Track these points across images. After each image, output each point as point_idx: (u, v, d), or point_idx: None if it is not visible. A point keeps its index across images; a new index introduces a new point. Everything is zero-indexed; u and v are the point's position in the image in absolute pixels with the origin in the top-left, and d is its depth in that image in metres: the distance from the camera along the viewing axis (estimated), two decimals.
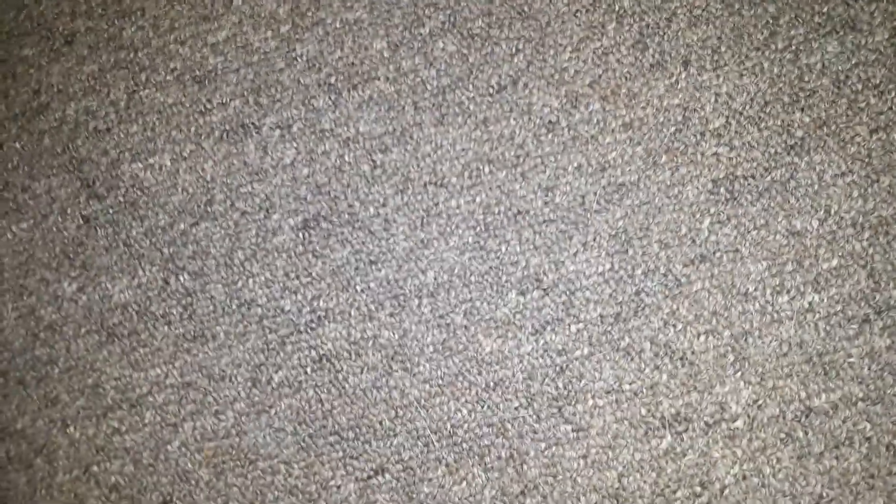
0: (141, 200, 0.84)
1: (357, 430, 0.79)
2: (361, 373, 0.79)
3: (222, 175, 0.83)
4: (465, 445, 0.77)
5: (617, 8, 0.78)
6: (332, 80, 0.82)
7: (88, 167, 0.85)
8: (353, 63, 0.82)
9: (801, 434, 0.73)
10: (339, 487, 0.79)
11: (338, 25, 0.82)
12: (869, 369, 0.72)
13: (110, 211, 0.84)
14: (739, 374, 0.74)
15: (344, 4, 0.82)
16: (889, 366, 0.72)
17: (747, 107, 0.75)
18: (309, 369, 0.80)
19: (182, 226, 0.83)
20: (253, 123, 0.83)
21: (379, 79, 0.81)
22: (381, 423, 0.78)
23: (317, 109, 0.82)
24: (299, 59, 0.83)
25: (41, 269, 0.85)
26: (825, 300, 0.73)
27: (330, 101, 0.82)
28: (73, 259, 0.85)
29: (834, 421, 0.72)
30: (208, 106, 0.84)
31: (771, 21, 0.76)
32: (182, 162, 0.84)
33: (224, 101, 0.84)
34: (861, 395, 0.72)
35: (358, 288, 0.80)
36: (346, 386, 0.79)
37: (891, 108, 0.73)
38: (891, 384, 0.72)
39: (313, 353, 0.80)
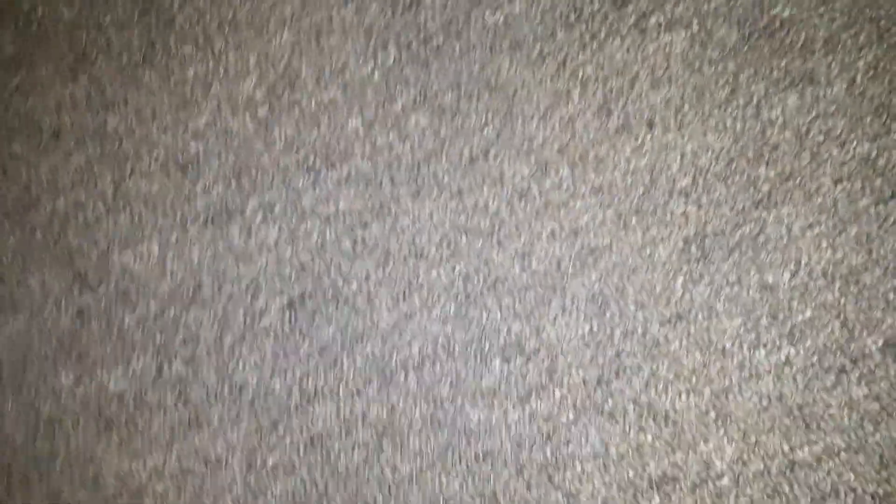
0: (132, 289, 1.06)
1: None
2: (353, 451, 0.99)
3: (209, 260, 1.04)
4: None
5: (580, 75, 0.98)
6: (311, 160, 1.04)
7: (80, 259, 1.08)
8: (329, 142, 1.03)
9: (786, 488, 0.90)
10: None
11: (313, 106, 1.04)
12: (849, 419, 0.90)
13: (102, 301, 1.07)
14: (722, 430, 0.92)
15: (318, 85, 1.04)
16: (868, 414, 0.90)
17: (713, 164, 0.94)
18: (301, 450, 1.00)
19: (172, 313, 1.05)
20: (236, 207, 1.05)
21: (356, 156, 1.02)
22: (374, 500, 0.98)
23: (297, 189, 1.03)
24: (278, 141, 1.05)
25: (39, 363, 1.08)
26: (801, 352, 0.91)
27: (309, 181, 1.03)
28: (69, 351, 1.07)
29: (818, 473, 0.90)
30: (192, 192, 1.06)
31: (731, 78, 0.95)
32: (169, 249, 1.06)
33: (207, 186, 1.06)
34: (843, 445, 0.90)
35: (345, 365, 1.00)
36: (339, 465, 0.99)
37: (853, 158, 0.92)
38: (871, 433, 0.89)
39: (305, 433, 1.00)
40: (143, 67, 1.10)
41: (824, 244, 0.92)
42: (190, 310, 1.05)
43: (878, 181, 0.92)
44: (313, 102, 1.05)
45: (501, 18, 1.01)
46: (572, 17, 1.00)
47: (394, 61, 1.03)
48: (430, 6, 1.03)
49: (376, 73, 1.04)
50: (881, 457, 0.90)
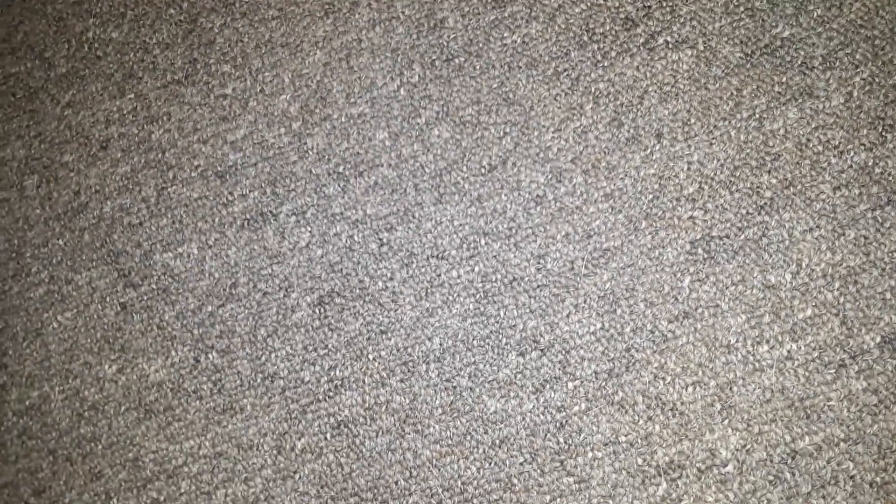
0: (172, 287, 0.95)
1: (375, 490, 0.87)
2: (377, 436, 0.88)
3: (245, 260, 0.93)
4: (475, 501, 0.85)
5: (593, 90, 0.88)
6: (341, 168, 0.93)
7: (124, 259, 0.96)
8: (358, 152, 0.92)
9: (788, 476, 0.79)
10: None
11: (343, 119, 0.93)
12: (848, 411, 0.79)
13: (145, 298, 0.95)
14: (727, 421, 0.81)
15: (348, 100, 0.93)
16: (867, 407, 0.79)
17: (718, 172, 0.84)
18: (329, 435, 0.89)
19: (210, 308, 0.93)
20: (271, 212, 0.94)
21: (382, 165, 0.92)
22: (396, 483, 0.87)
23: (328, 196, 0.92)
24: (310, 152, 0.94)
25: (84, 354, 0.96)
26: (802, 348, 0.80)
27: (339, 188, 0.92)
28: (112, 343, 0.95)
29: (819, 462, 0.79)
30: (230, 198, 0.95)
31: (735, 93, 0.85)
32: (208, 250, 0.94)
33: (244, 192, 0.95)
34: (843, 435, 0.79)
35: (370, 357, 0.89)
36: (363, 450, 0.88)
37: (851, 167, 0.82)
38: (870, 424, 0.79)
39: (332, 419, 0.89)
40: (185, 85, 0.99)
41: (824, 247, 0.82)
42: (226, 305, 0.94)
43: (875, 188, 0.82)
44: (343, 116, 0.94)
45: (519, 39, 0.91)
46: (585, 37, 0.90)
47: (418, 79, 0.93)
48: (452, 28, 0.93)
49: (402, 89, 0.93)
50: (879, 447, 0.79)
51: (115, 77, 1.01)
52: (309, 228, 0.93)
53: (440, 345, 0.88)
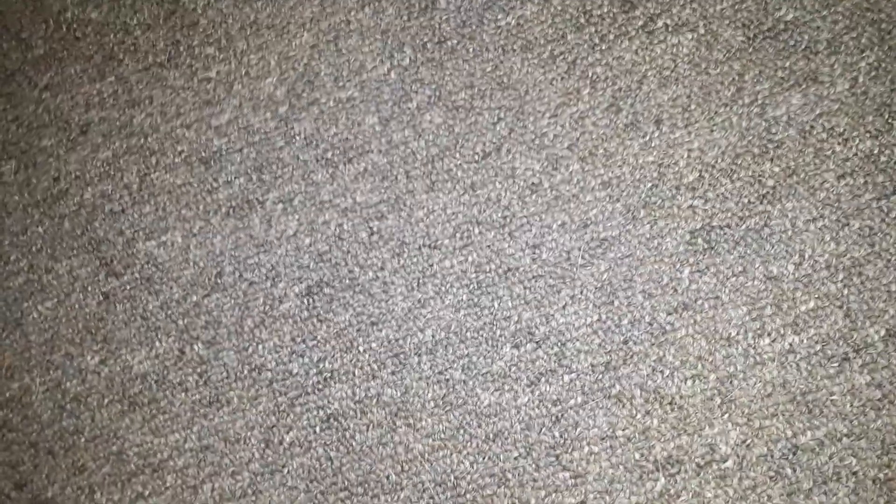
0: (155, 276, 0.91)
1: (366, 485, 0.84)
2: (367, 430, 0.85)
3: (230, 248, 0.90)
4: (468, 496, 0.82)
5: (590, 74, 0.84)
6: (329, 154, 0.89)
7: (106, 247, 0.93)
8: (347, 138, 0.89)
9: (789, 471, 0.77)
10: None
11: (332, 104, 0.90)
12: (851, 406, 0.77)
13: (127, 287, 0.92)
14: (727, 415, 0.78)
15: (336, 84, 0.90)
16: (870, 402, 0.77)
17: (719, 160, 0.81)
18: (318, 429, 0.86)
19: (195, 298, 0.90)
20: (257, 199, 0.90)
21: (372, 151, 0.88)
22: (387, 477, 0.84)
23: (316, 183, 0.89)
24: (297, 137, 0.90)
25: (66, 345, 0.93)
26: (805, 341, 0.78)
27: (328, 175, 0.89)
28: (94, 334, 0.92)
29: (820, 457, 0.77)
30: (215, 185, 0.91)
31: (737, 78, 0.82)
32: (192, 238, 0.91)
33: (229, 179, 0.91)
34: (845, 431, 0.77)
35: (361, 349, 0.86)
36: (354, 443, 0.85)
37: (856, 155, 0.79)
38: (873, 419, 0.76)
39: (321, 413, 0.86)
40: (167, 67, 0.95)
41: (828, 237, 0.79)
42: (212, 295, 0.90)
43: (881, 177, 0.79)
44: (332, 101, 0.91)
45: (514, 21, 0.87)
46: (582, 19, 0.86)
47: (409, 62, 0.89)
48: (444, 9, 0.89)
49: (393, 73, 0.90)
50: (882, 442, 0.77)
51: (95, 59, 0.97)
52: (296, 216, 0.90)
53: (432, 336, 0.85)
